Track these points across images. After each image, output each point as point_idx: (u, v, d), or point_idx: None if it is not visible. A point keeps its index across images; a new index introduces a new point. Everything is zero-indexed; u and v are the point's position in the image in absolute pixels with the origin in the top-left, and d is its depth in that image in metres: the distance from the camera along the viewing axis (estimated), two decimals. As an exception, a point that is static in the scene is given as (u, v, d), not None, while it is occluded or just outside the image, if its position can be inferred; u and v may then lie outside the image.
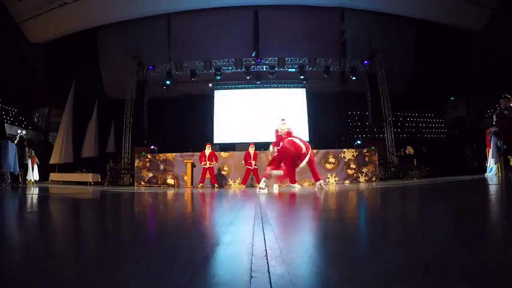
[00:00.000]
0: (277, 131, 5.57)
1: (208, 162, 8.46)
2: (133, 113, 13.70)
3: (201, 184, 8.50)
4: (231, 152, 9.63)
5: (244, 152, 8.67)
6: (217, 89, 15.21)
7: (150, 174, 9.57)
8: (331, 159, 8.97)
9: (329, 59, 13.56)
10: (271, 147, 5.86)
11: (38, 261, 0.79)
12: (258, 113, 14.55)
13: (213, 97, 15.15)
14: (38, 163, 10.78)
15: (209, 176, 8.54)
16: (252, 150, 8.48)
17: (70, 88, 14.23)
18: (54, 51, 15.04)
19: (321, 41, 14.24)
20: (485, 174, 6.72)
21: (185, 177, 9.09)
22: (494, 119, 6.10)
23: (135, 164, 9.92)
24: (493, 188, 3.26)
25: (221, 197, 3.93)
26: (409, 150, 11.00)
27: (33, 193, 4.77)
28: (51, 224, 1.70)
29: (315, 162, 5.50)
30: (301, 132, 14.04)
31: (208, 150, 8.59)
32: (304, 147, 5.13)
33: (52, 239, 1.20)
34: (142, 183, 9.56)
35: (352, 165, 9.01)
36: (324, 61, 13.48)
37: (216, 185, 8.44)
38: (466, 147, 13.23)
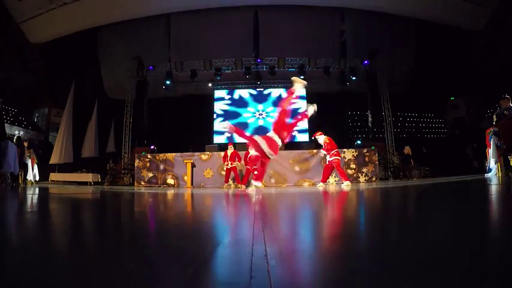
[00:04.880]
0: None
1: (230, 163, 8.40)
2: (133, 113, 13.70)
3: (226, 184, 8.44)
4: (231, 152, 9.62)
5: (244, 152, 8.67)
6: (217, 89, 15.20)
7: (150, 174, 9.57)
8: (331, 159, 8.96)
9: (329, 59, 13.56)
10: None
11: (38, 261, 0.79)
12: (257, 113, 14.55)
13: (213, 97, 15.14)
14: (37, 162, 10.76)
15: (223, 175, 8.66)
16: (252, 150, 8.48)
17: (70, 88, 14.22)
18: (54, 51, 15.05)
19: (321, 41, 14.23)
20: (485, 174, 6.72)
21: (185, 177, 9.09)
22: (494, 119, 6.10)
23: (135, 164, 9.91)
24: (493, 188, 3.26)
25: (221, 197, 3.93)
26: (407, 150, 10.99)
27: (33, 193, 4.77)
28: (51, 223, 1.70)
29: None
30: (301, 132, 14.06)
31: (230, 150, 8.55)
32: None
33: (53, 239, 1.20)
34: (142, 183, 9.55)
35: (352, 165, 9.01)
36: (324, 61, 13.48)
37: (240, 185, 8.24)
38: (466, 147, 13.23)
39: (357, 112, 16.24)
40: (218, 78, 13.91)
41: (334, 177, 8.79)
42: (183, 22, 14.23)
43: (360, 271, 0.67)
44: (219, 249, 0.90)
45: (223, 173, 9.07)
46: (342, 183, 6.80)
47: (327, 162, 7.10)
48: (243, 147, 9.69)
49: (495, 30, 13.71)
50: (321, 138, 7.09)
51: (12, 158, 6.47)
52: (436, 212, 1.70)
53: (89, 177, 12.41)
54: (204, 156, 9.33)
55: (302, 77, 13.75)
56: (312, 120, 14.88)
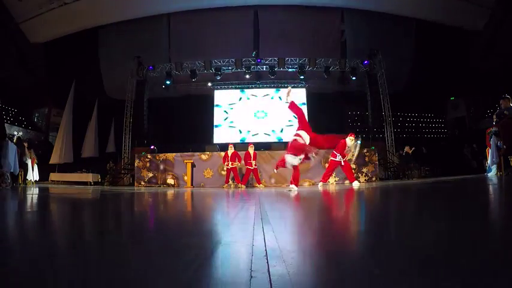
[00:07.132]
0: None
1: (230, 163, 8.41)
2: (134, 113, 13.70)
3: (226, 184, 8.50)
4: (231, 152, 9.61)
5: (244, 152, 8.67)
6: (217, 89, 15.19)
7: (150, 174, 9.57)
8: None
9: (329, 59, 13.54)
10: None
11: (38, 261, 0.80)
12: (257, 113, 14.55)
13: (213, 97, 15.13)
14: (37, 162, 10.76)
15: (226, 175, 8.61)
16: (251, 150, 8.49)
17: (70, 88, 14.21)
18: (54, 51, 15.04)
19: (321, 41, 14.22)
20: (486, 174, 6.73)
21: (185, 177, 9.09)
22: (494, 119, 6.11)
23: (135, 164, 9.92)
24: (493, 188, 3.26)
25: (221, 197, 3.93)
26: (408, 149, 10.99)
27: (33, 193, 4.77)
28: (51, 223, 1.70)
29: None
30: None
31: (231, 151, 8.55)
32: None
33: (52, 239, 1.20)
34: (142, 183, 9.55)
35: (352, 165, 9.00)
36: (324, 61, 13.47)
37: (240, 185, 8.34)
38: (465, 147, 13.23)
39: (357, 112, 16.22)
40: (218, 78, 13.91)
41: (335, 176, 8.79)
42: (183, 22, 14.22)
43: (360, 271, 0.67)
44: (219, 249, 0.90)
45: (224, 173, 9.07)
46: (343, 183, 6.77)
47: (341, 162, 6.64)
48: (243, 147, 9.72)
49: (495, 30, 13.71)
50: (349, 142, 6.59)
51: (12, 158, 6.48)
52: (436, 212, 1.70)
53: (89, 177, 12.41)
54: (204, 156, 9.33)
55: (302, 77, 13.78)
56: (312, 120, 14.85)
